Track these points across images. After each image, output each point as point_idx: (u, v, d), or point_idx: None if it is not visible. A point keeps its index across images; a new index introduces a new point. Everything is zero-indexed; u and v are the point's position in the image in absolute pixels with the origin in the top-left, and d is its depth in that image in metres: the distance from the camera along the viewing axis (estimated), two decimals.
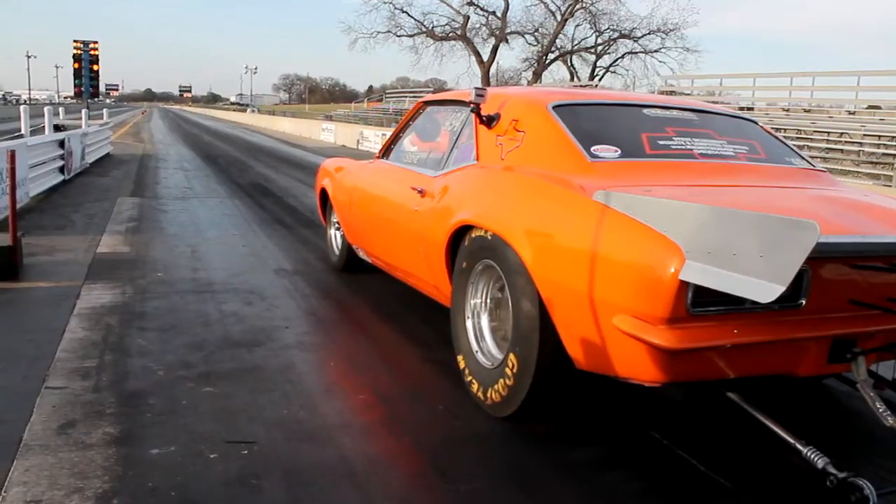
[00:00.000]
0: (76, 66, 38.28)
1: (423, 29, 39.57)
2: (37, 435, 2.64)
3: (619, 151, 3.02)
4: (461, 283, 3.25)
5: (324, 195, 5.67)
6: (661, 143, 3.16)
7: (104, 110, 27.91)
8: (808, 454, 2.26)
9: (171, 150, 20.40)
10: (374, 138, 23.92)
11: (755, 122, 3.82)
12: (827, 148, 15.68)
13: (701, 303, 2.19)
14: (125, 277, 5.00)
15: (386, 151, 4.71)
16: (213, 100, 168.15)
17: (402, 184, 3.98)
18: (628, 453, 2.75)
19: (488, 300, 3.18)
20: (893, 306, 2.39)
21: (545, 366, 2.71)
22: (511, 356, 2.82)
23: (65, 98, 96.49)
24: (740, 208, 2.07)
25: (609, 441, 2.85)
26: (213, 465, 2.48)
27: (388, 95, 47.87)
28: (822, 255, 2.12)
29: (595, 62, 40.99)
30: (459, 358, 3.25)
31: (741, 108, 19.77)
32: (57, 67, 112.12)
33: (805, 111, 18.28)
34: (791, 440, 2.33)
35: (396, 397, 3.18)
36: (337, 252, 5.54)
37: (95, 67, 38.18)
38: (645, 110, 3.45)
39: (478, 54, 39.37)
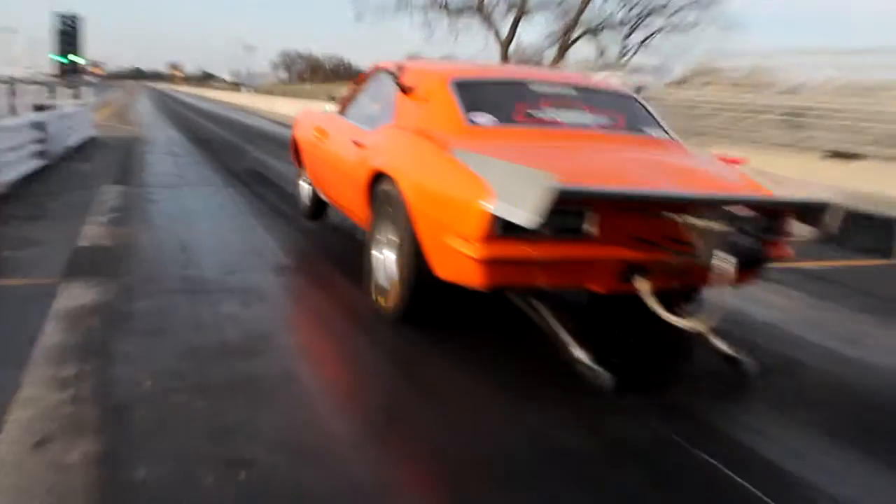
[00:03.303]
0: (57, 41, 38.44)
1: (437, 1, 39.44)
2: (8, 453, 2.60)
3: (494, 119, 4.24)
4: (374, 217, 4.48)
5: (296, 144, 7.14)
6: (532, 113, 4.37)
7: (87, 89, 28.00)
8: (576, 352, 3.50)
9: (159, 133, 20.43)
10: None
11: (634, 98, 4.99)
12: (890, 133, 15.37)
13: (512, 228, 3.18)
14: (108, 274, 4.95)
15: (344, 107, 6.07)
16: (205, 79, 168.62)
17: (347, 137, 5.32)
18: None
19: (391, 232, 4.20)
20: (668, 244, 3.42)
21: (421, 279, 3.87)
22: (398, 273, 4.04)
23: (45, 76, 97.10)
24: (568, 166, 3.42)
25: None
26: (208, 489, 2.44)
27: None
28: (604, 199, 3.33)
29: (625, 39, 40.79)
30: (370, 277, 4.45)
31: (787, 90, 19.52)
32: (36, 43, 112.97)
33: (864, 91, 17.99)
34: (569, 341, 3.55)
35: (415, 414, 3.14)
36: (307, 203, 7.01)
37: (78, 43, 38.34)
38: (531, 86, 4.62)
39: (496, 30, 39.22)
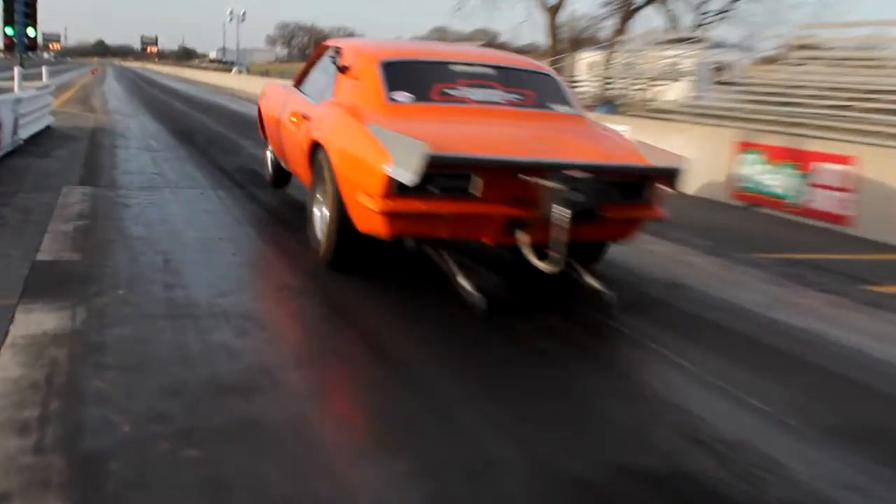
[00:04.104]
0: (6, 9, 38.84)
1: None
2: None
3: (411, 97, 5.87)
4: (314, 180, 6.24)
5: (261, 116, 9.41)
6: (447, 91, 6.00)
7: (43, 68, 28.37)
8: (460, 280, 5.14)
9: (131, 122, 20.64)
10: None
11: (550, 76, 6.81)
12: None
13: (408, 188, 4.68)
14: (75, 295, 4.99)
15: (299, 81, 8.03)
16: (186, 56, 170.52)
17: (298, 108, 7.20)
18: None
19: (324, 193, 5.84)
20: (540, 204, 4.78)
21: (344, 231, 5.51)
22: (330, 225, 5.69)
23: None
24: (454, 137, 5.10)
25: None
26: None
27: None
28: (483, 165, 4.87)
29: (700, 5, 40.47)
30: (311, 231, 6.26)
31: None
32: None
33: None
34: (457, 273, 5.20)
35: (449, 467, 3.16)
36: (271, 171, 9.31)
37: (35, 12, 38.73)
38: (452, 66, 6.30)
39: None
